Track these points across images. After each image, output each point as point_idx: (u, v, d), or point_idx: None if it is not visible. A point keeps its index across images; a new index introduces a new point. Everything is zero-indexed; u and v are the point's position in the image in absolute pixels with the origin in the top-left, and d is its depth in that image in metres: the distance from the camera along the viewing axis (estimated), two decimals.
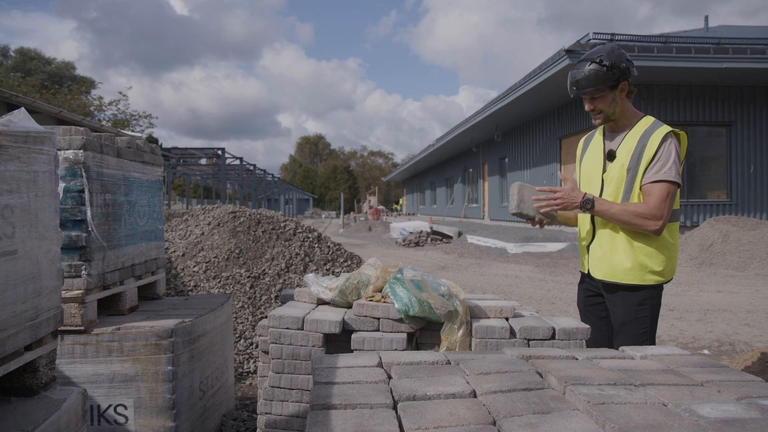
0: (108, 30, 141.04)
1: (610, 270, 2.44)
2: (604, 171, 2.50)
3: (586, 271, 2.61)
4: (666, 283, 2.45)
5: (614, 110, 2.43)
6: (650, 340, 2.41)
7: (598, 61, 2.36)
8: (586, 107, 2.47)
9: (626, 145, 2.43)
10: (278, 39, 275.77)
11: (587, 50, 13.24)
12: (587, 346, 2.33)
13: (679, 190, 2.40)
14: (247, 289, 5.10)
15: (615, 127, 2.51)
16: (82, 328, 2.31)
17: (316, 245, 5.95)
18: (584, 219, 2.60)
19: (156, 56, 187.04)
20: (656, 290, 2.43)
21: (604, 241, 2.46)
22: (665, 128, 2.37)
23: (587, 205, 2.38)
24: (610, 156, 2.48)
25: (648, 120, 2.46)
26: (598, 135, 2.63)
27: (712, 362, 1.66)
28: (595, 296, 2.62)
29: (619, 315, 2.46)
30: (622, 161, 2.41)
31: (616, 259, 2.42)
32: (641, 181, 2.37)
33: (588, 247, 2.56)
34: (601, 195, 2.49)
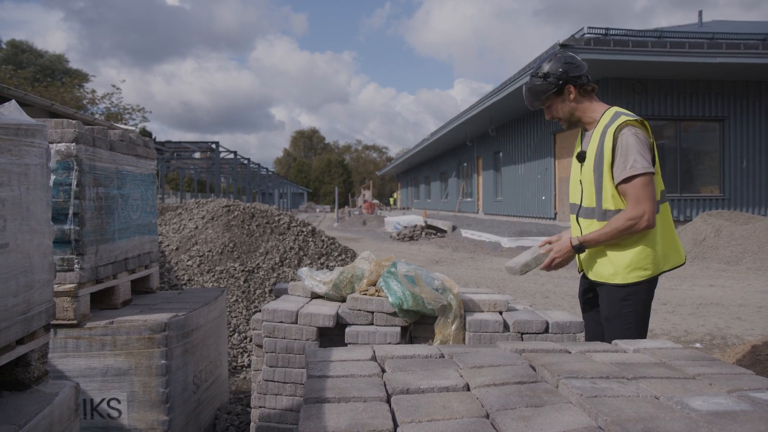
0: (96, 20, 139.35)
1: (596, 271, 2.48)
2: (581, 173, 2.53)
3: (580, 271, 2.65)
4: (657, 275, 2.43)
5: (571, 113, 2.50)
6: (637, 335, 2.39)
7: (535, 74, 2.50)
8: (546, 117, 2.58)
9: (592, 144, 2.44)
10: (271, 30, 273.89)
11: (581, 44, 13.02)
12: (586, 339, 2.33)
13: (659, 179, 2.40)
14: (241, 283, 5.09)
15: (586, 127, 2.55)
16: (75, 322, 2.30)
17: (311, 239, 5.95)
18: (573, 220, 2.62)
19: (146, 47, 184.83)
20: (642, 286, 2.40)
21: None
22: (621, 119, 2.33)
23: (579, 250, 2.44)
24: (579, 157, 2.50)
25: (609, 114, 2.43)
26: (579, 137, 2.66)
27: (704, 356, 1.67)
28: (590, 291, 2.64)
29: (605, 310, 2.48)
30: (589, 162, 2.44)
31: (600, 262, 2.45)
32: (615, 181, 2.36)
33: None
34: (581, 198, 2.52)
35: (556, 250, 2.49)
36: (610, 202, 2.37)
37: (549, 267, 2.52)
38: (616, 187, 2.35)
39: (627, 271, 2.37)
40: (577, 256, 2.60)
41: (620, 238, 2.34)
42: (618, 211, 2.36)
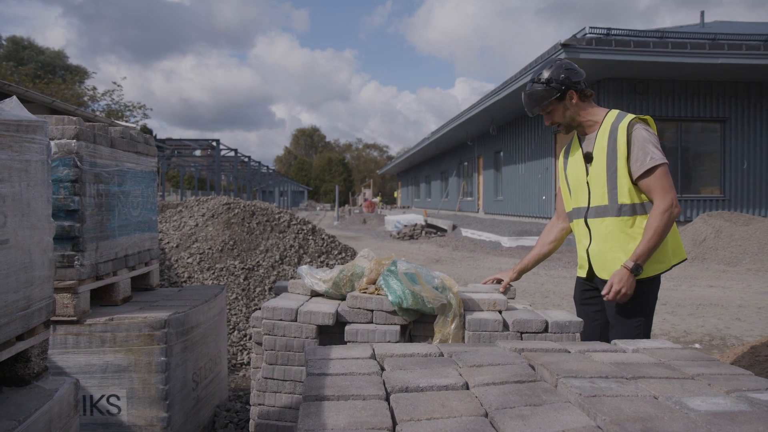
0: (95, 16, 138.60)
1: (612, 271, 2.44)
2: (587, 175, 2.55)
3: (584, 276, 2.63)
4: (668, 269, 2.47)
5: (572, 118, 2.54)
6: (644, 333, 2.43)
7: (536, 80, 2.52)
8: (545, 123, 2.61)
9: (599, 144, 2.48)
10: (272, 27, 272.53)
11: (583, 44, 12.99)
12: (582, 338, 2.33)
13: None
14: (241, 280, 5.09)
15: (586, 130, 2.58)
16: (75, 318, 2.30)
17: (311, 237, 5.95)
18: (579, 224, 2.62)
19: (146, 43, 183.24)
20: (651, 283, 2.45)
21: (603, 243, 2.49)
22: (629, 117, 2.44)
23: (638, 270, 2.34)
24: (587, 158, 2.53)
25: (613, 114, 2.52)
26: (575, 142, 2.67)
27: (703, 356, 1.68)
28: (592, 290, 2.65)
29: (613, 308, 2.48)
30: (600, 161, 2.47)
31: (616, 261, 2.43)
32: (632, 178, 2.40)
33: (587, 250, 2.58)
34: (589, 199, 2.54)
35: (617, 282, 2.34)
36: (626, 196, 2.42)
37: (615, 298, 2.38)
38: (636, 181, 2.40)
39: (647, 265, 2.40)
40: (587, 260, 2.59)
41: (665, 235, 2.35)
42: (634, 204, 2.42)
